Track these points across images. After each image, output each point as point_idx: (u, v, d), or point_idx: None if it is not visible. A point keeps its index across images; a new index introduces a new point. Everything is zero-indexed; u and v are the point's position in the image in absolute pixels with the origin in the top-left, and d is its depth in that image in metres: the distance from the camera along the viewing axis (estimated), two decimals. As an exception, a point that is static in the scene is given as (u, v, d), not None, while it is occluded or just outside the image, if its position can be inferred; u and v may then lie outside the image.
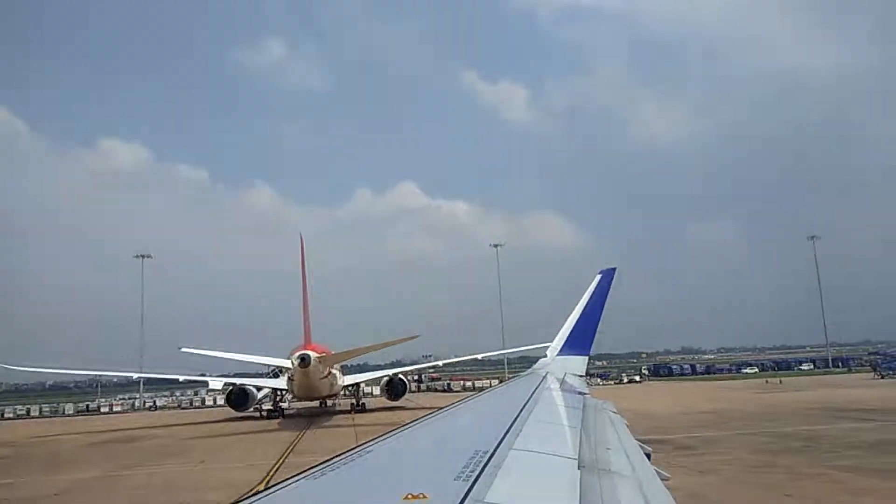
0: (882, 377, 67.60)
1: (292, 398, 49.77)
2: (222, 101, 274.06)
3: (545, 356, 13.96)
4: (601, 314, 13.45)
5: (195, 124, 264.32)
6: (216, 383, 50.58)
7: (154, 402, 77.97)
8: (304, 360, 38.84)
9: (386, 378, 52.80)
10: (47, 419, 68.17)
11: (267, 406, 50.38)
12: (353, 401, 50.59)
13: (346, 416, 46.42)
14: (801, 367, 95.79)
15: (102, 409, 74.00)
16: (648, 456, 5.07)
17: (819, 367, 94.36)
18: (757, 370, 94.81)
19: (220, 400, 68.42)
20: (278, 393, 50.17)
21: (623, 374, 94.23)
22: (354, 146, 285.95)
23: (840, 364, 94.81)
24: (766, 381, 71.91)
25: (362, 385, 53.49)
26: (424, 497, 2.45)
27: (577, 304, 13.68)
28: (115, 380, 76.07)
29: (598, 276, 13.79)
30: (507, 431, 4.24)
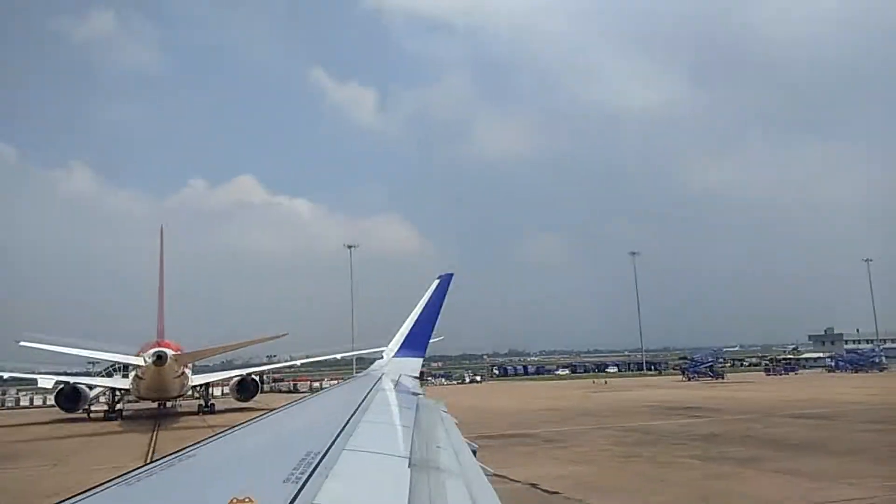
0: (689, 379, 78.47)
1: (132, 398, 46.43)
2: (39, 71, 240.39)
3: (381, 357, 14.15)
4: (437, 317, 13.90)
5: (13, 94, 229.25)
6: (46, 381, 45.39)
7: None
8: (160, 358, 36.59)
9: (238, 378, 50.97)
10: None
11: (100, 407, 46.72)
12: (201, 401, 48.27)
13: (194, 416, 44.29)
14: (608, 370, 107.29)
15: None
16: (475, 452, 5.36)
17: (625, 370, 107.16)
18: (569, 372, 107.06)
19: (47, 401, 61.67)
20: (117, 392, 46.59)
21: (465, 374, 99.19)
22: (189, 134, 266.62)
23: (651, 368, 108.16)
24: (594, 382, 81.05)
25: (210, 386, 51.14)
26: (251, 501, 2.39)
27: (414, 307, 14.18)
28: None
29: (436, 281, 14.35)
30: (341, 432, 4.26)
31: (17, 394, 66.17)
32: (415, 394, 8.88)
